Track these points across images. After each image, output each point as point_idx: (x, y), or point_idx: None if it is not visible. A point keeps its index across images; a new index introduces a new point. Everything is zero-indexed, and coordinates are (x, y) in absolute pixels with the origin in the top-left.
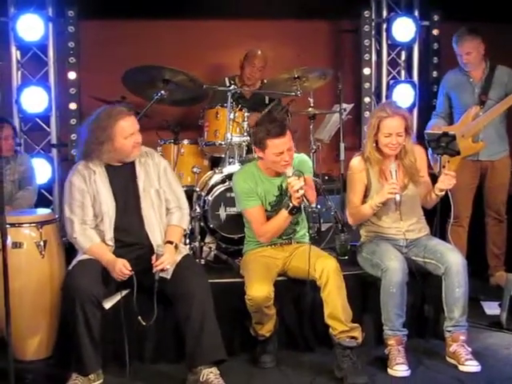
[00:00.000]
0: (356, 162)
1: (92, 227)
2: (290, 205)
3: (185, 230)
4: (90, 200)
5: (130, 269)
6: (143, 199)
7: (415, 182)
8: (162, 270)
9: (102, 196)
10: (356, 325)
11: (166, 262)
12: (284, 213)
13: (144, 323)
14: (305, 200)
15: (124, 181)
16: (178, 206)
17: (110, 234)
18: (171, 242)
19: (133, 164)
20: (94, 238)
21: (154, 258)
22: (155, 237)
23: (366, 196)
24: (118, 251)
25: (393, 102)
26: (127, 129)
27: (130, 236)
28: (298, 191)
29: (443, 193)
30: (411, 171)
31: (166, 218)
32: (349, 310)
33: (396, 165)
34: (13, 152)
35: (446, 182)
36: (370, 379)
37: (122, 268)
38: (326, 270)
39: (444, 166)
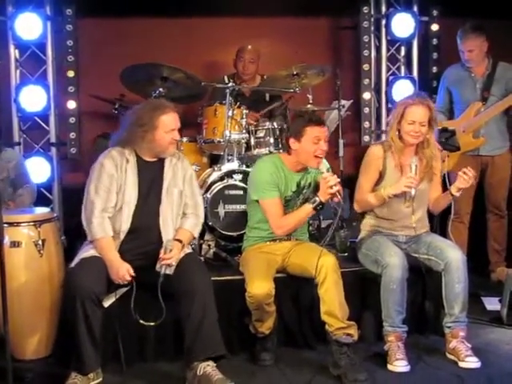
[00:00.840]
0: (375, 148)
1: (110, 216)
2: (317, 200)
3: (194, 238)
4: (116, 187)
5: (133, 275)
6: (165, 197)
7: (429, 178)
8: (167, 266)
9: (128, 187)
10: (352, 322)
11: (174, 258)
12: (308, 207)
13: (145, 323)
14: (338, 196)
15: (151, 176)
16: (196, 213)
17: (126, 225)
18: (180, 241)
19: (163, 162)
20: (108, 230)
21: (162, 251)
22: (167, 235)
23: (376, 184)
24: (128, 244)
25: (420, 92)
26: (169, 123)
27: (144, 231)
28: (332, 187)
29: (460, 193)
30: (429, 165)
31: (180, 221)
32: (346, 307)
33: (417, 159)
34: None
35: (465, 181)
36: (370, 375)
37: (125, 274)
38: (324, 266)
39: (444, 161)
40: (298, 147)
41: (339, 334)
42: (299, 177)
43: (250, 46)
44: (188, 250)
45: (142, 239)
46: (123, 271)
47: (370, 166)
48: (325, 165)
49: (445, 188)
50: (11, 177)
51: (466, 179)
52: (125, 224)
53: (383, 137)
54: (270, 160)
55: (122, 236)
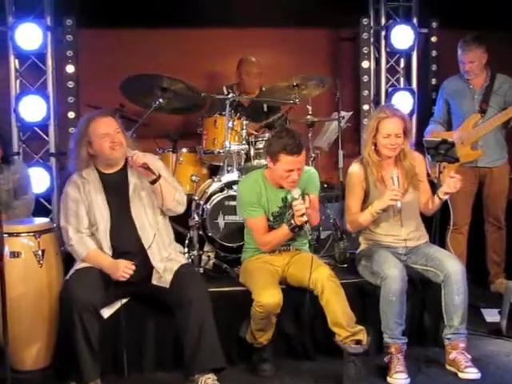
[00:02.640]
0: (355, 168)
1: (88, 235)
2: (293, 223)
3: (178, 203)
4: (85, 209)
5: (133, 268)
6: (132, 202)
7: (415, 186)
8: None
9: (96, 204)
10: (360, 327)
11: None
12: (285, 229)
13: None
14: (307, 224)
15: (116, 187)
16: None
17: (106, 243)
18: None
19: (126, 168)
20: (90, 244)
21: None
22: (148, 239)
23: (364, 202)
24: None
25: (391, 104)
26: (99, 129)
27: (125, 243)
28: (302, 215)
29: (447, 196)
30: (411, 174)
31: None
32: (350, 313)
33: (397, 171)
34: None
35: (452, 185)
36: None
37: (126, 267)
38: (320, 278)
39: (441, 172)
40: (272, 167)
41: (347, 343)
42: (284, 192)
43: (253, 59)
44: (184, 260)
45: (126, 253)
46: (123, 266)
47: (354, 186)
48: (297, 191)
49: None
50: (14, 187)
51: (453, 184)
52: (104, 241)
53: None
54: (252, 178)
55: (109, 253)
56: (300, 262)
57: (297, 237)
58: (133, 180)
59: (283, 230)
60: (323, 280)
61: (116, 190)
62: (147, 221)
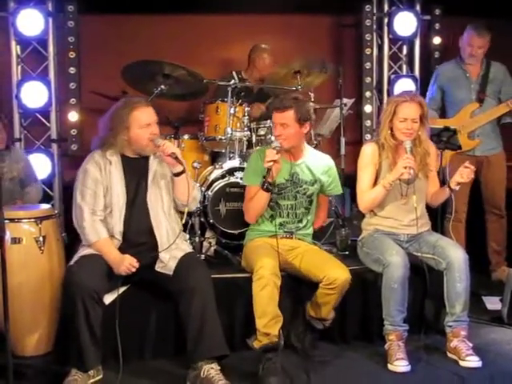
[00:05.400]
0: (370, 147)
1: (101, 219)
2: (263, 179)
3: (194, 200)
4: (103, 190)
5: (137, 266)
6: (150, 191)
7: (425, 174)
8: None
9: (115, 188)
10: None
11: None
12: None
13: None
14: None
15: (137, 173)
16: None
17: (118, 228)
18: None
19: (148, 156)
20: (102, 232)
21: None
22: (160, 231)
23: (374, 184)
24: (123, 245)
25: (411, 90)
26: (142, 119)
27: (136, 230)
28: (267, 162)
29: (459, 187)
30: (423, 163)
31: None
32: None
33: (411, 142)
34: (3, 145)
35: (465, 175)
36: (371, 375)
37: (130, 264)
38: (337, 280)
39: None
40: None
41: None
42: (294, 167)
43: (267, 46)
44: (188, 248)
45: (136, 238)
46: (125, 264)
47: (367, 165)
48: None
49: (442, 183)
50: (20, 177)
51: (466, 173)
52: (117, 226)
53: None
54: (265, 148)
55: (118, 238)
56: (317, 257)
57: (299, 222)
58: (153, 167)
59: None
60: (338, 284)
61: (135, 175)
62: (162, 210)
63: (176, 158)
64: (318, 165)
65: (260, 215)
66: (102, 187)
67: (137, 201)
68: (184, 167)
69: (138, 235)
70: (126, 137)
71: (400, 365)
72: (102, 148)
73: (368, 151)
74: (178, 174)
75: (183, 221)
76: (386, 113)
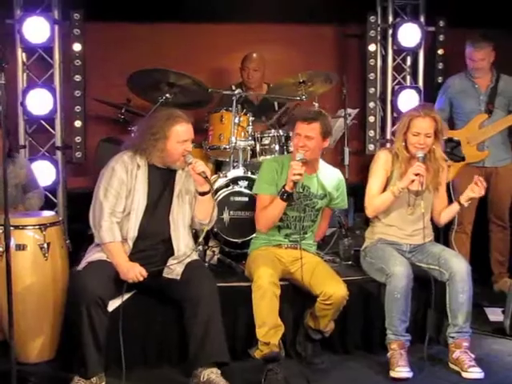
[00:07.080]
0: (384, 153)
1: (118, 221)
2: (283, 189)
3: (212, 222)
4: (126, 192)
5: (145, 276)
6: (174, 204)
7: (434, 189)
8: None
9: (137, 192)
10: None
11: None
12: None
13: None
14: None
15: (162, 184)
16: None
17: (133, 233)
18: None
19: (175, 170)
20: (117, 235)
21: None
22: (179, 243)
23: (384, 191)
24: (135, 249)
25: (428, 104)
26: (182, 134)
27: (150, 239)
28: (294, 175)
29: (468, 203)
30: (436, 177)
31: None
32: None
33: (423, 153)
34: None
35: (477, 190)
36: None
37: (139, 273)
38: (333, 296)
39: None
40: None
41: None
42: (305, 179)
43: (254, 54)
44: (195, 256)
45: (149, 246)
46: (134, 272)
47: (378, 169)
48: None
49: (448, 197)
50: (23, 183)
51: (478, 189)
52: (132, 231)
53: (388, 146)
54: (277, 158)
55: (130, 243)
56: (320, 270)
57: (304, 233)
58: (180, 181)
59: (276, 201)
60: (335, 299)
61: (159, 185)
62: (182, 224)
63: (206, 178)
64: (329, 179)
65: (273, 225)
66: (125, 189)
67: (156, 210)
68: (211, 187)
69: (151, 243)
70: (161, 147)
71: (402, 371)
72: (133, 151)
73: (382, 157)
74: (203, 194)
75: (200, 238)
76: (400, 126)
